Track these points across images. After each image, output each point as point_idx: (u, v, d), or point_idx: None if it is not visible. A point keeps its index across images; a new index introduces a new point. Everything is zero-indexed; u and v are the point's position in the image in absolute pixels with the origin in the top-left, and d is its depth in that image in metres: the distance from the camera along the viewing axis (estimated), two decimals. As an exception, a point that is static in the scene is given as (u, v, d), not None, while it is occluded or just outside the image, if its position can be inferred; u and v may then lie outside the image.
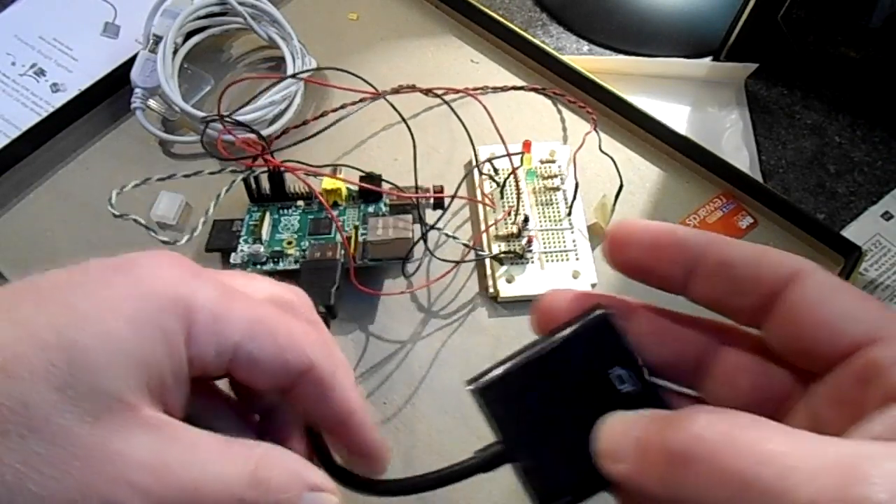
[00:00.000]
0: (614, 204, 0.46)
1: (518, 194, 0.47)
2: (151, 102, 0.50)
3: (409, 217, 0.45)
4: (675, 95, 0.56)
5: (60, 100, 0.54)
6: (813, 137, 0.55)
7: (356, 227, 0.45)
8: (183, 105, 0.48)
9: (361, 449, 0.25)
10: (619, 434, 0.20)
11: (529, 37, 0.53)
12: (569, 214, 0.47)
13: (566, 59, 0.52)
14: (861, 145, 0.55)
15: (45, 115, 0.50)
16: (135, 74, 0.49)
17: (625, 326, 0.22)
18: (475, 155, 0.47)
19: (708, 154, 0.49)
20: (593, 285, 0.44)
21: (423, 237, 0.44)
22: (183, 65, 0.51)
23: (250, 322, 0.23)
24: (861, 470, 0.15)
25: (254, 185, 0.45)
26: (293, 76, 0.49)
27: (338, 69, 0.51)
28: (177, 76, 0.50)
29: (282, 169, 0.44)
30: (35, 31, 0.57)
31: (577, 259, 0.45)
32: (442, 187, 0.46)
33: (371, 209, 0.46)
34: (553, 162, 0.48)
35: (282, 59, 0.51)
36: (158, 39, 0.50)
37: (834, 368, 0.19)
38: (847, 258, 0.47)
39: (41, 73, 0.56)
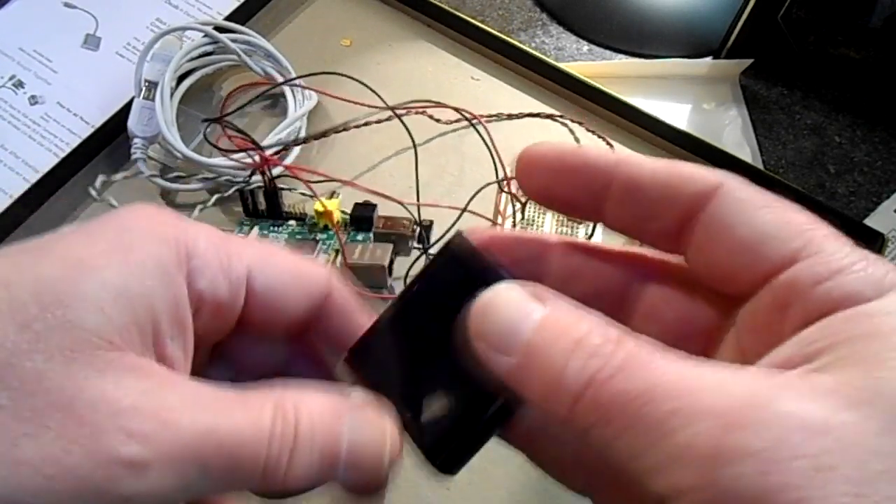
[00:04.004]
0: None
1: (515, 216, 0.46)
2: (150, 151, 0.48)
3: (390, 246, 0.44)
4: (673, 95, 0.56)
5: (39, 112, 0.52)
6: (813, 137, 0.55)
7: (337, 252, 0.44)
8: (186, 151, 0.46)
9: None
10: (507, 322, 0.17)
11: (526, 48, 0.53)
12: None
13: (564, 66, 0.52)
14: (861, 145, 0.55)
15: (37, 178, 0.48)
16: (132, 124, 0.47)
17: (490, 248, 0.20)
18: (496, 174, 0.47)
19: (721, 153, 0.49)
20: None
21: (425, 249, 0.43)
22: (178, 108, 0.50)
23: (259, 250, 0.20)
24: (745, 413, 0.14)
25: (249, 200, 0.45)
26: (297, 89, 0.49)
27: (346, 75, 0.49)
28: (175, 122, 0.48)
29: (282, 172, 0.44)
30: (14, 42, 0.55)
31: None
32: (431, 222, 0.45)
33: (360, 237, 0.45)
34: None
35: (280, 93, 0.50)
36: (152, 85, 0.48)
37: (756, 293, 0.17)
38: (870, 246, 0.47)
39: (20, 84, 0.54)
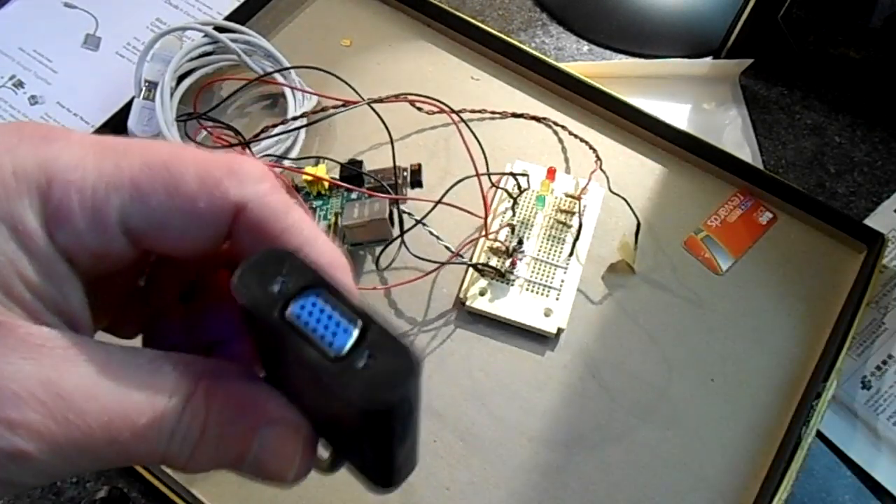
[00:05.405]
0: (636, 242, 0.46)
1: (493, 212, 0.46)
2: None
3: (385, 199, 0.44)
4: (672, 95, 0.56)
5: (39, 112, 0.53)
6: (813, 137, 0.55)
7: (337, 215, 0.44)
8: None
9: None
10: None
11: (526, 48, 0.53)
12: (570, 254, 0.46)
13: (564, 66, 0.52)
14: (861, 145, 0.55)
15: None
16: (132, 124, 0.48)
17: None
18: (476, 169, 0.47)
19: (721, 153, 0.49)
20: (560, 330, 0.44)
21: (402, 234, 0.43)
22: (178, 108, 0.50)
23: (137, 173, 0.17)
24: None
25: None
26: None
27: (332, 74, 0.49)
28: (175, 121, 0.48)
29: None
30: (14, 42, 0.56)
31: (557, 299, 0.44)
32: (420, 165, 0.45)
33: (354, 195, 0.45)
34: (578, 199, 0.47)
35: (280, 93, 0.50)
36: (152, 85, 0.49)
37: None
38: (870, 246, 0.47)
39: (20, 84, 0.54)
